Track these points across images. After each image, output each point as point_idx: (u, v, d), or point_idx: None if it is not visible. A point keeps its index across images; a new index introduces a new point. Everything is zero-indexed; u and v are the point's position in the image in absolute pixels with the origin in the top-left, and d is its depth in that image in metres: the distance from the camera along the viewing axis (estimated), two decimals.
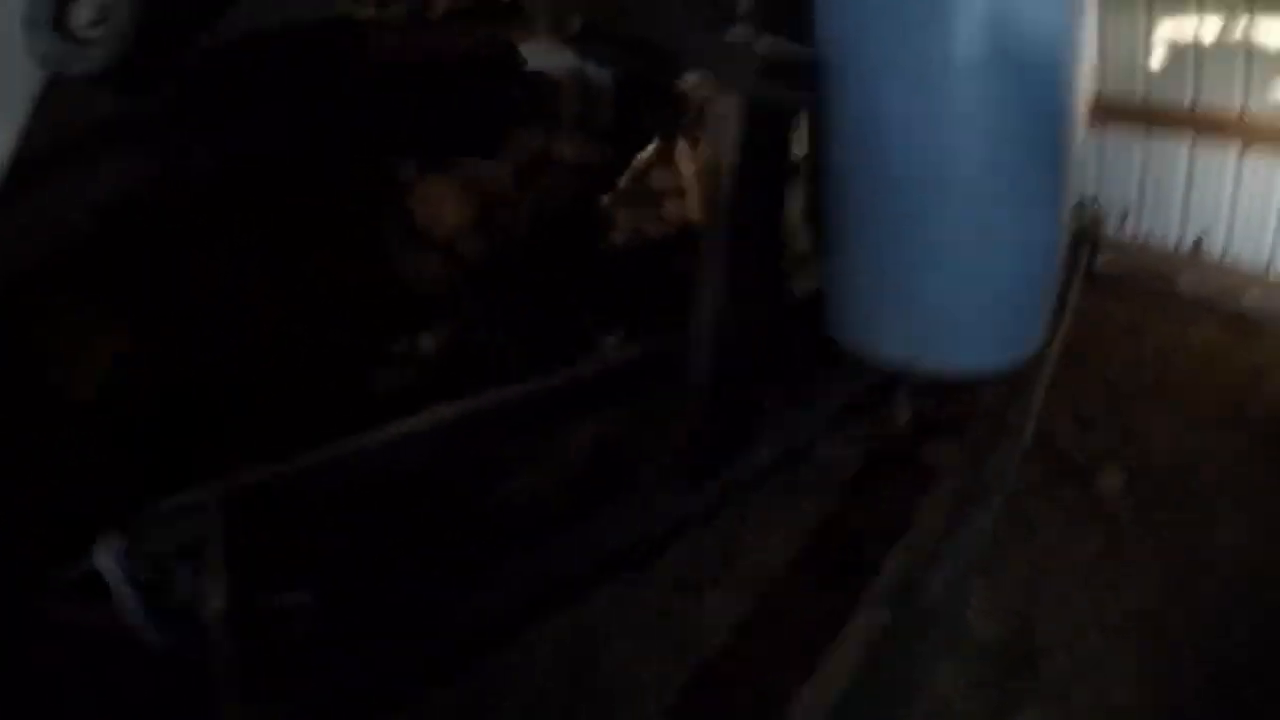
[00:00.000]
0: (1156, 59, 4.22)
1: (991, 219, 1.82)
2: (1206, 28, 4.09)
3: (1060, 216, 1.98)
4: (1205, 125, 4.06)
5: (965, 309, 1.95)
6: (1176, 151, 4.11)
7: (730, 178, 1.50)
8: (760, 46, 1.43)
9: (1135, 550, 2.34)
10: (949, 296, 1.92)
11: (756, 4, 1.47)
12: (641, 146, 3.65)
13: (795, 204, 2.23)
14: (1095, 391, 2.95)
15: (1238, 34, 4.00)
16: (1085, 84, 1.94)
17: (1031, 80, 1.75)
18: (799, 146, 1.99)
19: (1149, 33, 4.20)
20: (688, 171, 3.61)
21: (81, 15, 1.23)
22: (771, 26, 1.48)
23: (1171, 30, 4.18)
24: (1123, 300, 3.76)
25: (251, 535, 1.64)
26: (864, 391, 2.23)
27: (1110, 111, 4.31)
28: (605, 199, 3.60)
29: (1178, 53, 4.17)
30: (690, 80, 1.51)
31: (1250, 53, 3.98)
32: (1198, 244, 4.02)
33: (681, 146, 3.61)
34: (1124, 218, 4.20)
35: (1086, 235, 3.29)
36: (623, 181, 3.63)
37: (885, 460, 2.38)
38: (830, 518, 2.28)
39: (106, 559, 1.37)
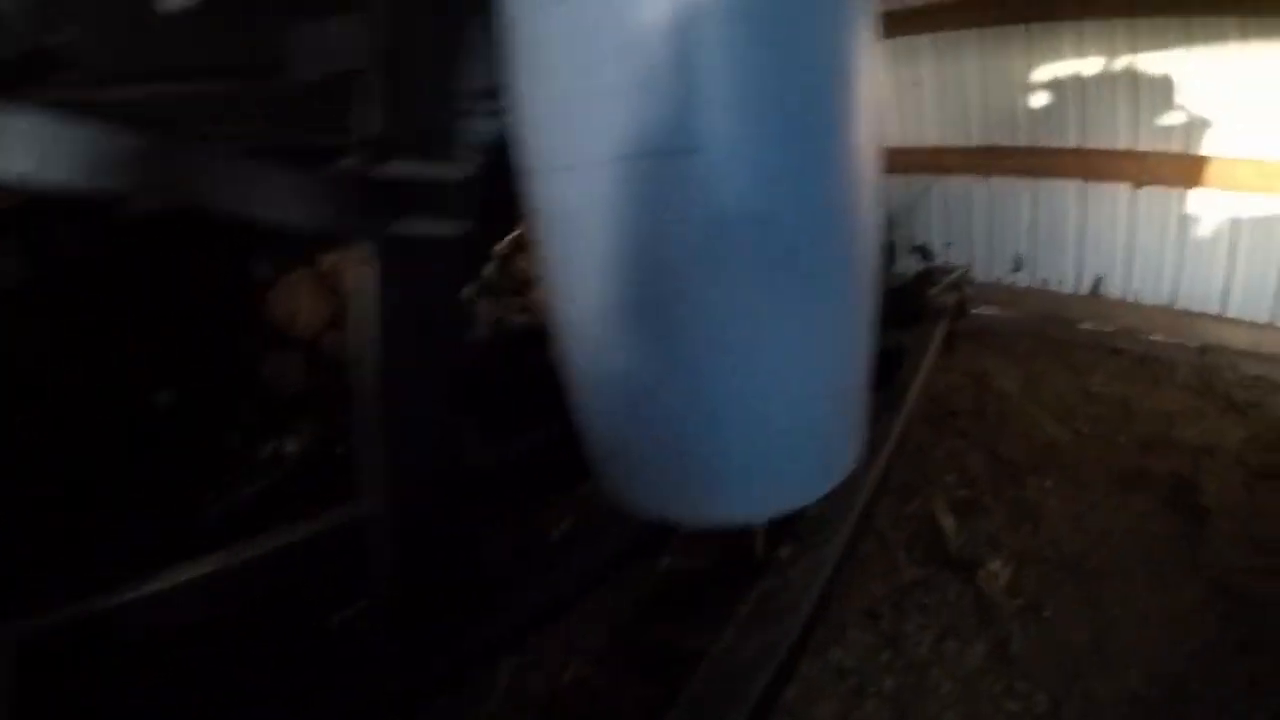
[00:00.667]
0: (1039, 101, 4.18)
1: (753, 336, 1.40)
2: (1088, 66, 4.06)
3: (857, 311, 1.59)
4: (1095, 164, 4.00)
5: (731, 451, 1.49)
6: (1066, 193, 4.04)
7: (377, 331, 1.28)
8: (386, 175, 1.21)
9: (1022, 655, 2.09)
10: (707, 438, 1.48)
11: (387, 123, 1.22)
12: (504, 234, 3.47)
13: None
14: (980, 468, 2.72)
15: (1120, 70, 3.97)
16: (874, 143, 1.56)
17: (794, 161, 1.37)
18: None
19: (1028, 76, 4.16)
20: None
21: None
22: (411, 146, 1.24)
23: (1052, 72, 4.16)
24: (1017, 354, 3.58)
25: (52, 677, 1.53)
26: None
27: (995, 158, 4.25)
28: (467, 290, 3.40)
29: (1060, 94, 4.14)
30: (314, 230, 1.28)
31: (1136, 88, 3.95)
32: (1096, 285, 3.90)
33: None
34: (1018, 266, 4.09)
35: (943, 304, 3.06)
36: (485, 271, 3.44)
37: (730, 573, 2.13)
38: (662, 639, 2.03)
39: None
